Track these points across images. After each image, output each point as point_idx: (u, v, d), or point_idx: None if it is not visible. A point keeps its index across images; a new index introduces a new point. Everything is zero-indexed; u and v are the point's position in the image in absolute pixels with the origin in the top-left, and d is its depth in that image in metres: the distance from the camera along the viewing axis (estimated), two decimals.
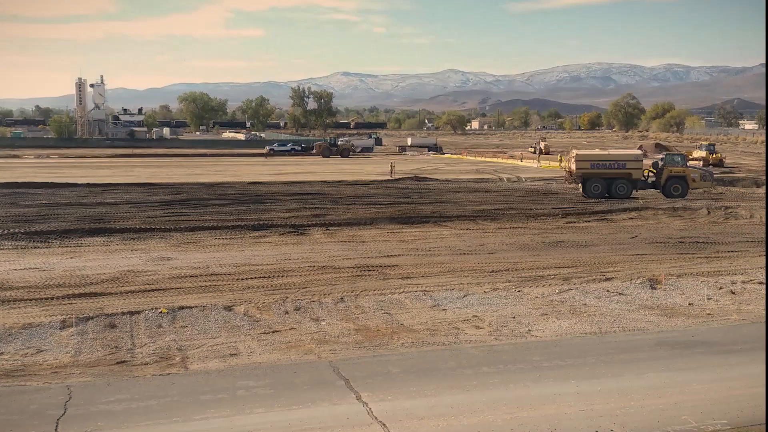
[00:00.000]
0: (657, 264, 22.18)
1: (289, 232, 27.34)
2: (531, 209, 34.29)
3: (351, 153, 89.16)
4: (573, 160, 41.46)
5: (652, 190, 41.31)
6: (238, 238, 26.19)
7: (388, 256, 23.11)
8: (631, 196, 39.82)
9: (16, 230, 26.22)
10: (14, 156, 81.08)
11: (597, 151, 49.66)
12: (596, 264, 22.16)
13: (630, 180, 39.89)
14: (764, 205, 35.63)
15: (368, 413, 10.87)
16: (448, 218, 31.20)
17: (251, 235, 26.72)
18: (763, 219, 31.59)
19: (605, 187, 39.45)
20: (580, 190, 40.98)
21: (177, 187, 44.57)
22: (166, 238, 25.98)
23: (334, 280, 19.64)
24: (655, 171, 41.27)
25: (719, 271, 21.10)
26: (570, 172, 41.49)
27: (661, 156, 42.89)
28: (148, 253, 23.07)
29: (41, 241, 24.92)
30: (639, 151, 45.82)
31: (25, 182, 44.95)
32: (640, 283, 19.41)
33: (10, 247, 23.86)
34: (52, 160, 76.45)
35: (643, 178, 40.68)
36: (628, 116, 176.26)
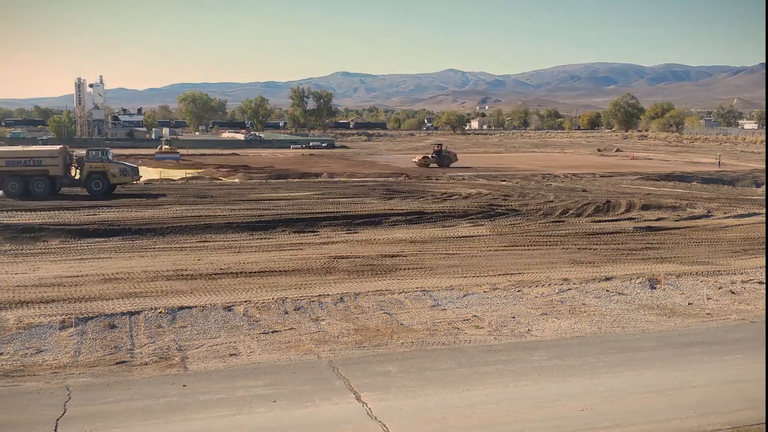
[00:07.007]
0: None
1: None
2: None
3: None
4: None
5: (78, 187, 38.68)
6: None
7: None
8: (59, 193, 37.66)
9: None
10: None
11: (13, 148, 45.52)
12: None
13: (48, 177, 37.15)
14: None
15: (368, 413, 10.87)
16: None
17: None
18: None
19: (23, 186, 36.64)
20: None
21: None
22: None
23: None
24: (80, 168, 38.54)
25: (719, 271, 21.11)
26: None
27: (84, 152, 39.81)
28: None
29: None
30: (56, 147, 40.51)
31: None
32: (640, 282, 19.41)
33: None
34: None
35: (64, 175, 38.06)
36: (628, 116, 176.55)
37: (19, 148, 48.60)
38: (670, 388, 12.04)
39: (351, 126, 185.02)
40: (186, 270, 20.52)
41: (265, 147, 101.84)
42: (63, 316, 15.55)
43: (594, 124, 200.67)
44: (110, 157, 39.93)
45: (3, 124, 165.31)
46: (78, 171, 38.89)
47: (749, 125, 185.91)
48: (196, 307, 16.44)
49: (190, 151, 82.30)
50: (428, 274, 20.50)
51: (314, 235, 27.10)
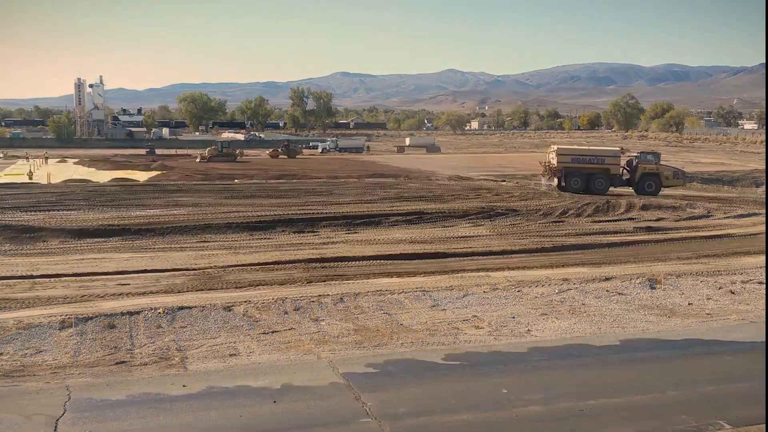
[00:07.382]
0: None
1: None
2: None
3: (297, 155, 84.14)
4: (554, 154, 41.80)
5: (626, 187, 41.72)
6: None
7: None
8: (607, 192, 40.38)
9: None
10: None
11: (577, 146, 50.03)
12: None
13: (608, 176, 40.55)
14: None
15: (368, 413, 10.87)
16: None
17: None
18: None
19: (585, 182, 40.21)
20: (555, 184, 41.51)
21: None
22: None
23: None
24: (629, 169, 41.76)
25: (719, 271, 21.09)
26: (549, 167, 41.83)
27: (636, 154, 43.40)
28: None
29: None
30: (617, 148, 45.91)
31: None
32: (640, 282, 19.40)
33: None
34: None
35: (619, 175, 41.22)
36: (628, 116, 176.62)
37: (576, 146, 50.32)
38: (670, 388, 12.04)
39: (351, 126, 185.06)
40: (186, 270, 20.52)
41: (265, 147, 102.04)
42: (63, 316, 15.53)
43: (594, 124, 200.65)
44: (660, 160, 42.19)
45: (3, 124, 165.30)
46: (628, 172, 41.30)
47: (749, 125, 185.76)
48: (195, 307, 16.42)
49: (190, 151, 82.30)
50: (428, 274, 20.49)
51: (314, 235, 27.10)
